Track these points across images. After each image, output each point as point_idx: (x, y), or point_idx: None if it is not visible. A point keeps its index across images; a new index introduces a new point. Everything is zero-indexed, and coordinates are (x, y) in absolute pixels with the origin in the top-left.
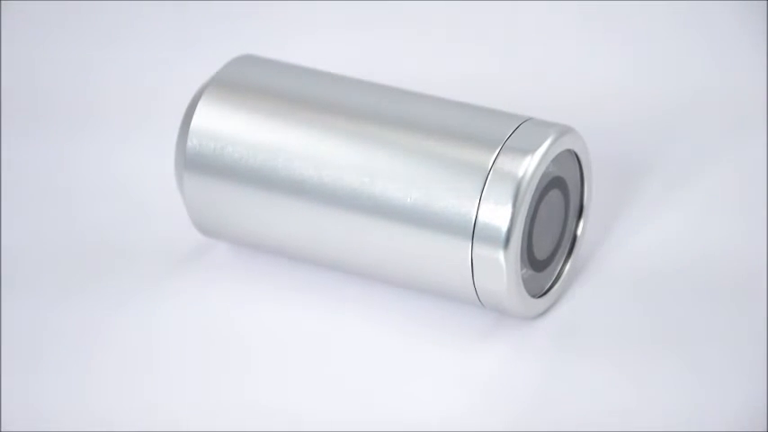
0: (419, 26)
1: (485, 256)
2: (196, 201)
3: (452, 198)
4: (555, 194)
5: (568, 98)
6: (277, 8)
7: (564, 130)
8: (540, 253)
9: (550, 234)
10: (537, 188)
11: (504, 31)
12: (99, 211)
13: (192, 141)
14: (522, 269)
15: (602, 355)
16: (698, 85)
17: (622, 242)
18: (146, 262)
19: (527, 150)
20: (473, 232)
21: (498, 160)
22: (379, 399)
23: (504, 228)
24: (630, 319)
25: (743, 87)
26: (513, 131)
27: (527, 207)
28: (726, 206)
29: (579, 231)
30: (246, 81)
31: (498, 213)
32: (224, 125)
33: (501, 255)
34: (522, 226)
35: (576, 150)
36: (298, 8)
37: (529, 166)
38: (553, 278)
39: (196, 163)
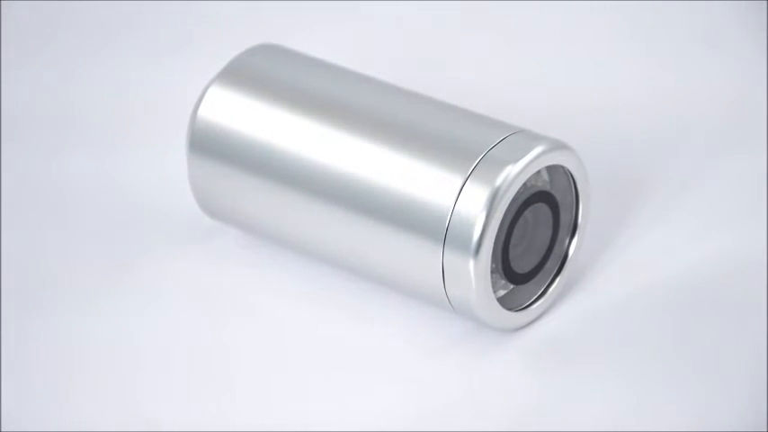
0: (428, 32)
1: (455, 263)
2: (199, 182)
3: (429, 201)
4: (541, 209)
5: (567, 110)
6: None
7: (555, 146)
8: (521, 266)
9: (534, 248)
10: (516, 199)
11: (503, 40)
12: (115, 195)
13: (199, 125)
14: (500, 280)
15: (574, 376)
16: (696, 97)
17: (617, 260)
18: (153, 240)
19: (508, 160)
20: (445, 238)
21: (478, 167)
22: (333, 396)
23: (476, 236)
24: (619, 339)
25: (741, 99)
26: (501, 141)
27: (501, 216)
28: (724, 222)
29: (571, 250)
30: (259, 70)
31: (471, 221)
32: (230, 111)
33: (471, 263)
34: (495, 235)
35: (570, 168)
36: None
37: (508, 176)
38: (537, 293)
39: (201, 145)
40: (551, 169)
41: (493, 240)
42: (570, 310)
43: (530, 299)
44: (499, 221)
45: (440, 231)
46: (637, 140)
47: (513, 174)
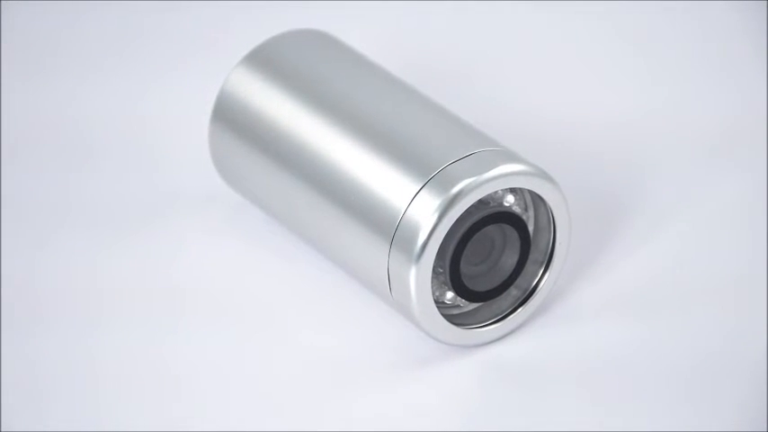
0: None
1: (398, 267)
2: (217, 149)
3: (387, 202)
4: (508, 231)
5: (555, 127)
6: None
7: (529, 171)
8: (478, 284)
9: (497, 269)
10: (473, 212)
11: (499, 56)
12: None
13: (223, 96)
14: (450, 294)
15: (525, 404)
16: (686, 116)
17: (592, 288)
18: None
19: (470, 173)
20: (392, 240)
21: (439, 174)
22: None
23: (420, 241)
24: (585, 370)
25: (735, 120)
26: (473, 153)
27: (450, 226)
28: (710, 247)
29: (542, 283)
30: (285, 53)
31: (418, 225)
32: (252, 87)
33: (412, 269)
34: (442, 244)
35: (546, 199)
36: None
37: (465, 187)
38: (497, 315)
39: (221, 115)
40: (535, 196)
41: (437, 248)
42: (537, 336)
43: (488, 319)
44: (447, 230)
45: (389, 233)
46: (620, 161)
47: (471, 186)
